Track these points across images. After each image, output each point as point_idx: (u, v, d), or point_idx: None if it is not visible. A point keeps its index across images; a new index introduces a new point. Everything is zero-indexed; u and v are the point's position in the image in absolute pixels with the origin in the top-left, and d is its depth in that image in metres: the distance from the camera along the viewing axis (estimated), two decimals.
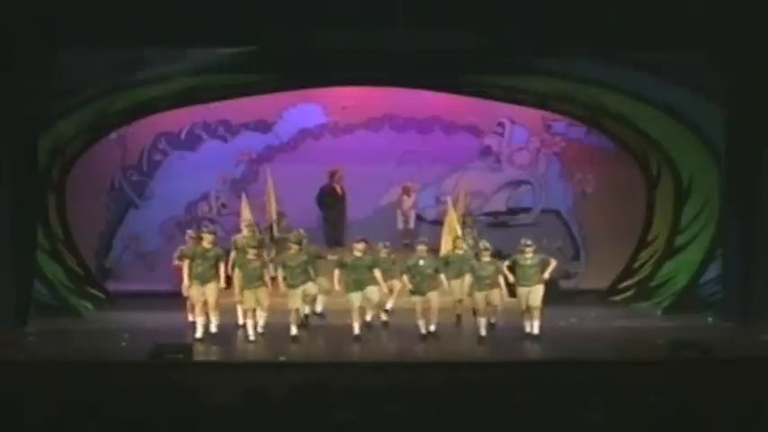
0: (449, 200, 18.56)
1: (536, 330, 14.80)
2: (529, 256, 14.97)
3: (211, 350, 14.27)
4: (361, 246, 15.05)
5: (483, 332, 14.79)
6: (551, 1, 15.12)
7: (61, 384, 10.11)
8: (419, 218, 19.85)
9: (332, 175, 19.30)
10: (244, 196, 18.10)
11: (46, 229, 17.46)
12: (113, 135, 19.47)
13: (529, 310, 14.85)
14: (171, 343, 13.80)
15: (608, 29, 15.17)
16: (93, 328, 16.14)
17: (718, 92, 16.45)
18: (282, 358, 13.54)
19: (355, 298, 14.91)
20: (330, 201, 19.33)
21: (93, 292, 18.72)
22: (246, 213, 17.43)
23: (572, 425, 7.43)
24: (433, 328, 14.87)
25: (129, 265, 20.19)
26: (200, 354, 13.68)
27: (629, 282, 19.40)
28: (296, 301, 14.88)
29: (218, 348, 14.45)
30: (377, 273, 14.97)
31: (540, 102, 18.63)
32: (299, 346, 14.55)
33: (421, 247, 15.20)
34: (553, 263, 15.08)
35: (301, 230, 15.90)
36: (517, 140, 20.52)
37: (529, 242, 15.09)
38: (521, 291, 14.96)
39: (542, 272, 14.90)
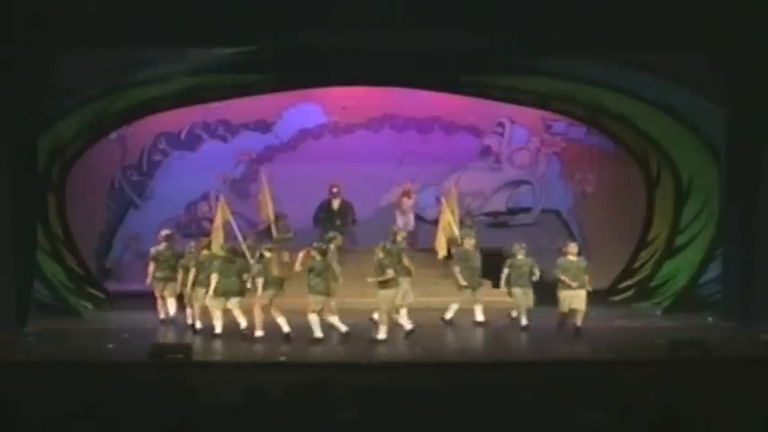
0: (443, 200, 18.46)
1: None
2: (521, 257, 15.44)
3: (211, 350, 14.26)
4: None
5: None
6: (551, 1, 15.12)
7: (61, 384, 10.09)
8: (419, 218, 19.84)
9: (329, 189, 19.10)
10: (222, 197, 17.97)
11: (46, 229, 17.47)
12: (113, 135, 19.50)
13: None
14: (171, 343, 13.81)
15: (608, 29, 15.18)
16: (92, 328, 16.14)
17: (718, 92, 16.46)
18: (282, 358, 13.55)
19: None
20: (325, 216, 18.99)
21: (93, 292, 18.73)
22: (219, 219, 17.27)
23: (572, 425, 7.43)
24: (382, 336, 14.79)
25: (129, 265, 20.17)
26: (199, 354, 13.67)
27: (629, 282, 19.40)
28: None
29: (218, 348, 14.45)
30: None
31: (540, 102, 18.64)
32: (298, 346, 14.55)
33: None
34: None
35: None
36: (517, 140, 20.53)
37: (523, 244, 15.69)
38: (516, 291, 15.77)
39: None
